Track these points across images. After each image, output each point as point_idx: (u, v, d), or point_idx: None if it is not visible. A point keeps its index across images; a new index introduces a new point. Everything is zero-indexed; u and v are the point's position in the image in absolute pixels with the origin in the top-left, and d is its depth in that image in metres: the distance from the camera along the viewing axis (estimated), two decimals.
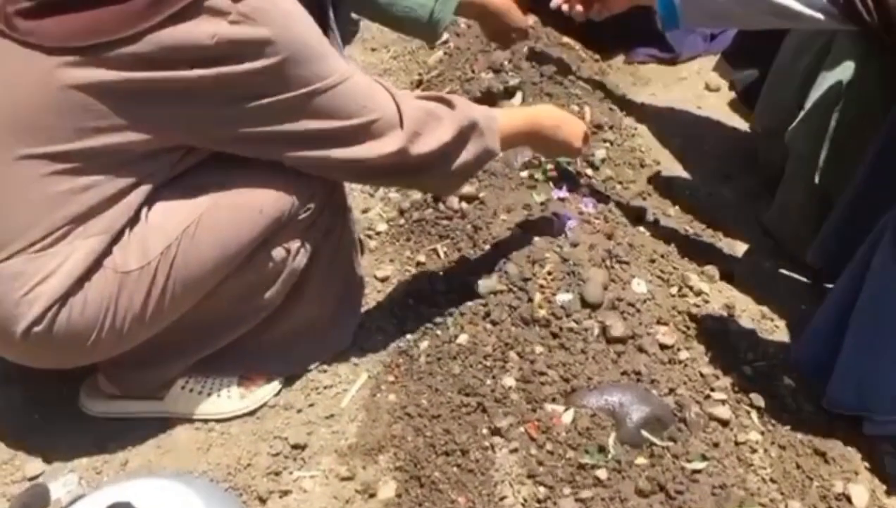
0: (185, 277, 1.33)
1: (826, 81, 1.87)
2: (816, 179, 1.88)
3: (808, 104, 1.90)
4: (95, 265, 1.26)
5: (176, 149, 1.27)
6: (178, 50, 1.12)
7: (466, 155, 1.50)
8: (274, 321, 1.56)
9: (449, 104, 1.50)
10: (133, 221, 1.28)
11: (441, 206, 2.02)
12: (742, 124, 2.51)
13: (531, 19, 2.32)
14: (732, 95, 2.61)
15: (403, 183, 1.72)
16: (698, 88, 2.66)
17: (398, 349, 1.74)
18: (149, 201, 1.30)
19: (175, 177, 1.32)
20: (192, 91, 1.17)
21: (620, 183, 2.12)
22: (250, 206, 1.36)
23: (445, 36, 2.69)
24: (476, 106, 1.57)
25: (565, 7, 2.21)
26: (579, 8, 2.20)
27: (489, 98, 2.33)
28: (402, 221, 2.06)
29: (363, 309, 1.80)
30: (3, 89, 1.19)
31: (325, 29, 1.44)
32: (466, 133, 1.49)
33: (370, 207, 2.14)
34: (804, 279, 1.98)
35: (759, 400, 1.61)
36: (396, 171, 1.42)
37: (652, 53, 2.79)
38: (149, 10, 1.11)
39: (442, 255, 1.92)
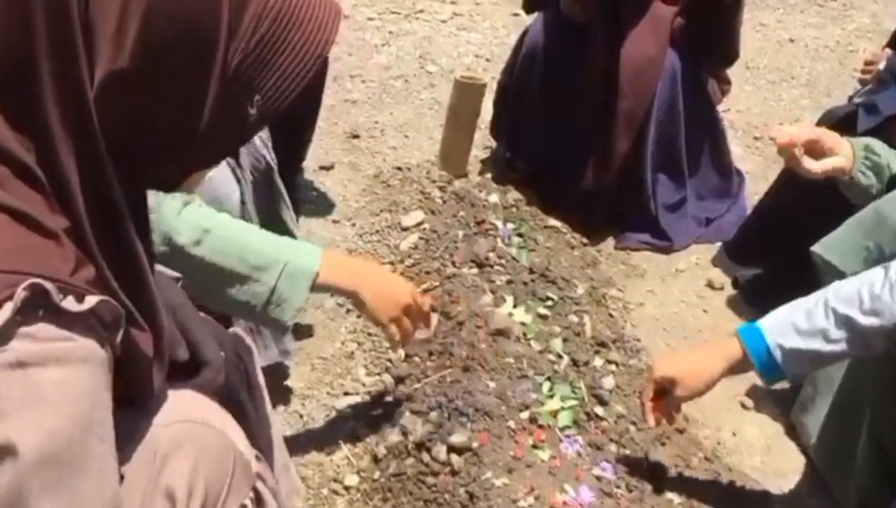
0: None
1: None
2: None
3: None
4: None
5: None
6: None
7: None
8: None
9: None
10: None
11: (425, 456, 1.67)
12: None
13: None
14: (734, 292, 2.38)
15: None
16: (699, 283, 2.40)
17: None
18: None
19: None
20: None
21: (634, 423, 1.80)
22: None
23: (421, 215, 2.40)
24: None
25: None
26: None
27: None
28: (377, 472, 1.69)
29: None
30: None
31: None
32: None
33: (336, 448, 1.76)
34: None
35: None
36: None
37: (644, 240, 2.54)
38: None
39: None
